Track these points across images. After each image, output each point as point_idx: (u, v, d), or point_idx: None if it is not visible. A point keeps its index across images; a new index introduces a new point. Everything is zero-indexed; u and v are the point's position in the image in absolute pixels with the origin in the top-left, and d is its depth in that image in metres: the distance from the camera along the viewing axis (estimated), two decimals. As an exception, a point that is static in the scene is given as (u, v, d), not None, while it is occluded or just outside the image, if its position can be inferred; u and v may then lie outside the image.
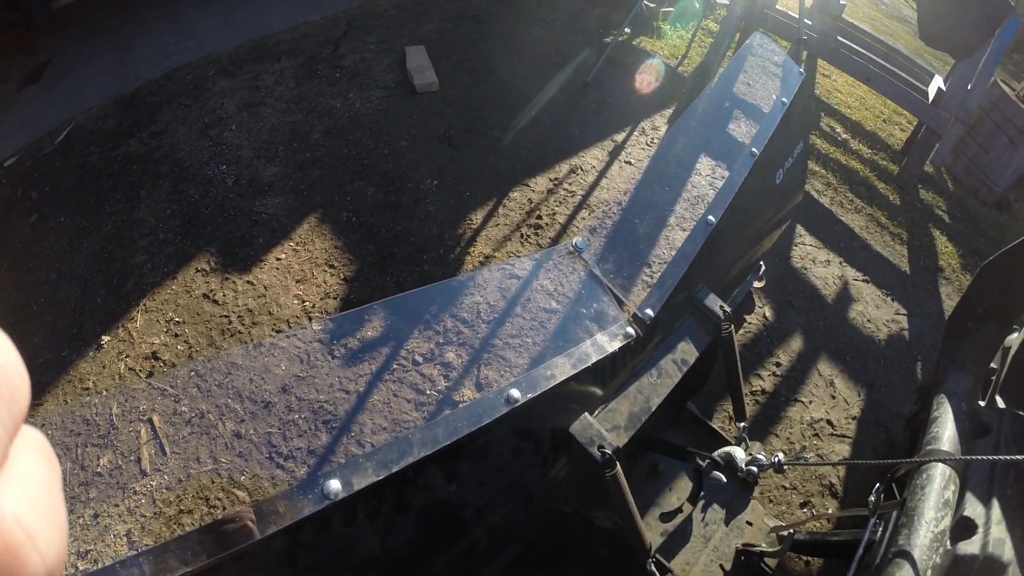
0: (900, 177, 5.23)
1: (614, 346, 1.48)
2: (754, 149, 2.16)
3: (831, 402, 2.99)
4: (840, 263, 3.88)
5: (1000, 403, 1.73)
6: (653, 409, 1.58)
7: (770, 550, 1.99)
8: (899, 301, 3.82)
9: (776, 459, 1.70)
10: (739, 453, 1.78)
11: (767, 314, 3.31)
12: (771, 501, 2.54)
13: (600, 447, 1.41)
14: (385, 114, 4.17)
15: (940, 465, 1.52)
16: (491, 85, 4.59)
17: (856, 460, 1.66)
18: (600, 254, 1.67)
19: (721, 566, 2.01)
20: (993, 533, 1.39)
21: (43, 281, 3.39)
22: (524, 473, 1.48)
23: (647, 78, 5.07)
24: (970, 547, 1.40)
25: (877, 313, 3.63)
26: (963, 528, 1.45)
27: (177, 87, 4.55)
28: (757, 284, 3.22)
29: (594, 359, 1.42)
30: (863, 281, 3.82)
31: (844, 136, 5.55)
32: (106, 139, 4.19)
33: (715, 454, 1.79)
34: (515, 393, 1.27)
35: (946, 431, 1.67)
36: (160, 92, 4.52)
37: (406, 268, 3.17)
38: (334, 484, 1.08)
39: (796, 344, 3.21)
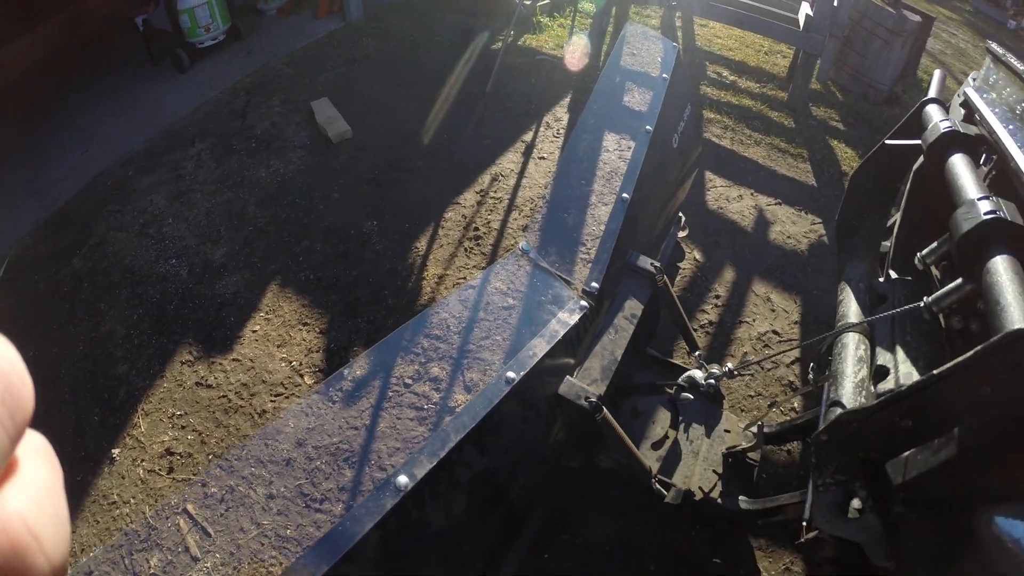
0: (790, 102, 5.71)
1: (574, 319, 1.79)
2: (648, 127, 2.49)
3: (772, 315, 3.39)
4: (752, 194, 4.31)
5: (893, 275, 2.12)
6: (619, 359, 1.91)
7: (749, 445, 2.35)
8: (813, 213, 4.27)
9: (727, 368, 2.04)
10: (697, 374, 2.12)
11: (697, 257, 3.70)
12: (743, 411, 2.91)
13: (586, 398, 1.72)
14: (310, 172, 4.36)
15: (850, 333, 1.90)
16: (400, 119, 4.84)
17: (782, 351, 2.03)
18: (542, 249, 1.98)
19: (714, 471, 2.38)
20: (901, 370, 1.76)
21: (32, 421, 3.47)
22: (535, 436, 1.78)
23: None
24: (886, 384, 1.77)
25: (795, 229, 4.07)
26: (878, 374, 1.81)
27: (101, 195, 4.63)
28: (681, 234, 3.59)
29: (562, 333, 1.73)
30: (776, 204, 4.26)
31: (732, 78, 6.01)
32: (48, 263, 4.26)
33: (679, 380, 2.13)
34: (511, 374, 1.56)
35: (851, 308, 2.07)
36: (87, 204, 4.59)
37: (372, 307, 3.42)
38: (402, 479, 1.33)
39: (729, 275, 3.61)
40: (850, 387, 1.74)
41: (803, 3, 6.14)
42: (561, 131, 4.67)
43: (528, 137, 4.64)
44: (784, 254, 3.85)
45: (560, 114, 4.94)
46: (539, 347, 1.67)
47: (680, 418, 2.53)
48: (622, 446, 1.90)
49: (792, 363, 3.18)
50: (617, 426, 1.83)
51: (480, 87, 5.13)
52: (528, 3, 6.16)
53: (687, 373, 2.14)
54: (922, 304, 1.61)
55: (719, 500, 2.29)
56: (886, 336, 1.88)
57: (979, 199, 1.56)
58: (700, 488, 2.30)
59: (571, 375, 1.81)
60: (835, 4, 5.34)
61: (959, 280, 1.58)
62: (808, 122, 5.51)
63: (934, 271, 1.85)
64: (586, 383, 1.82)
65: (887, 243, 2.22)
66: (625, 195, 2.22)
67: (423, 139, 4.65)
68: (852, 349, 1.87)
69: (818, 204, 4.38)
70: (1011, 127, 1.97)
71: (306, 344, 3.29)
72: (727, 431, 2.54)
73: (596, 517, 2.46)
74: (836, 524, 1.63)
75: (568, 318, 1.79)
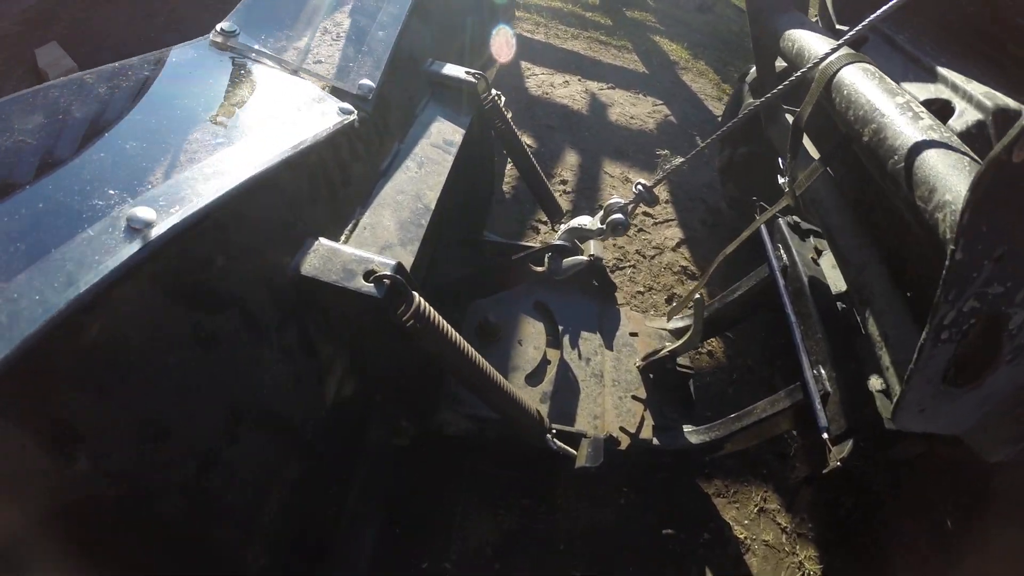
0: (603, 4, 5.24)
1: (327, 124, 0.93)
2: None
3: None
4: (579, 80, 3.68)
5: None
6: (432, 207, 1.07)
7: (678, 345, 1.57)
8: (652, 96, 3.74)
9: (638, 188, 1.28)
10: (585, 220, 1.34)
11: (529, 142, 2.97)
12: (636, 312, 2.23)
13: (369, 273, 0.85)
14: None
15: (852, 64, 1.20)
16: (145, 48, 3.71)
17: (719, 131, 1.30)
18: (266, 37, 1.09)
19: (634, 397, 1.56)
20: (975, 93, 1.24)
21: None
22: (265, 383, 0.87)
23: None
24: (965, 118, 1.26)
25: (636, 110, 3.50)
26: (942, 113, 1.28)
27: None
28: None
29: (295, 146, 0.86)
30: (609, 88, 3.67)
31: (539, -10, 5.41)
32: None
33: (557, 239, 1.34)
34: (144, 214, 0.65)
35: (820, 46, 1.35)
36: None
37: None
38: None
39: (572, 159, 2.92)
40: (909, 126, 1.02)
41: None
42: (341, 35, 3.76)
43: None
44: (631, 134, 3.25)
45: (341, 19, 4.01)
46: (234, 170, 0.78)
47: (560, 328, 1.67)
48: (476, 374, 1.02)
49: (678, 246, 2.55)
50: (454, 333, 0.96)
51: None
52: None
53: (569, 224, 1.35)
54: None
55: (654, 441, 1.48)
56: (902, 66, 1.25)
57: None
58: (622, 429, 1.46)
59: (332, 238, 0.94)
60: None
61: None
62: (625, 23, 5.05)
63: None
64: (371, 251, 0.95)
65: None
66: (404, -24, 1.39)
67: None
68: (866, 79, 1.17)
69: (655, 89, 3.87)
70: None
71: None
72: (634, 334, 1.75)
73: (470, 515, 1.53)
74: (939, 408, 0.89)
75: (317, 123, 0.93)
